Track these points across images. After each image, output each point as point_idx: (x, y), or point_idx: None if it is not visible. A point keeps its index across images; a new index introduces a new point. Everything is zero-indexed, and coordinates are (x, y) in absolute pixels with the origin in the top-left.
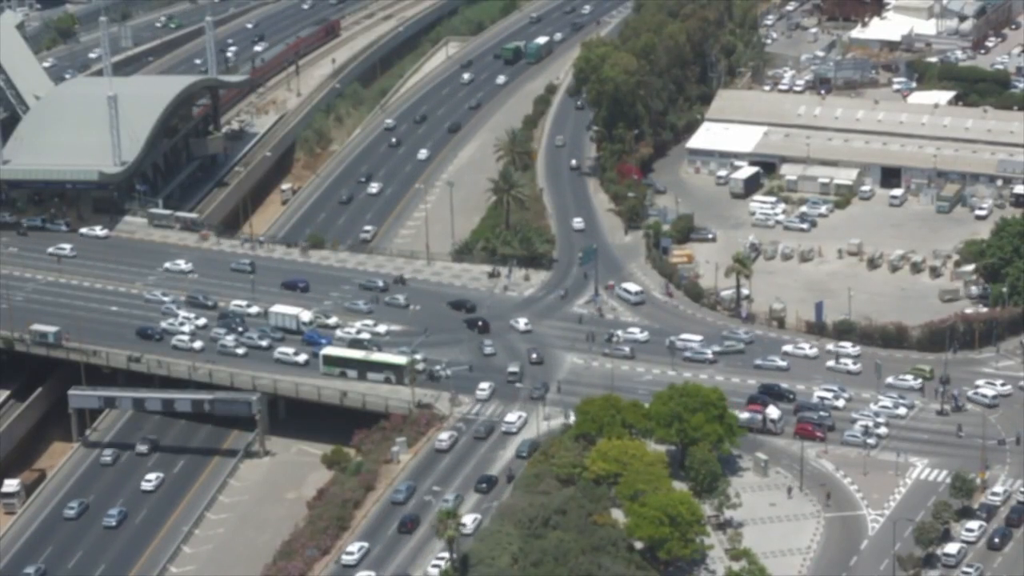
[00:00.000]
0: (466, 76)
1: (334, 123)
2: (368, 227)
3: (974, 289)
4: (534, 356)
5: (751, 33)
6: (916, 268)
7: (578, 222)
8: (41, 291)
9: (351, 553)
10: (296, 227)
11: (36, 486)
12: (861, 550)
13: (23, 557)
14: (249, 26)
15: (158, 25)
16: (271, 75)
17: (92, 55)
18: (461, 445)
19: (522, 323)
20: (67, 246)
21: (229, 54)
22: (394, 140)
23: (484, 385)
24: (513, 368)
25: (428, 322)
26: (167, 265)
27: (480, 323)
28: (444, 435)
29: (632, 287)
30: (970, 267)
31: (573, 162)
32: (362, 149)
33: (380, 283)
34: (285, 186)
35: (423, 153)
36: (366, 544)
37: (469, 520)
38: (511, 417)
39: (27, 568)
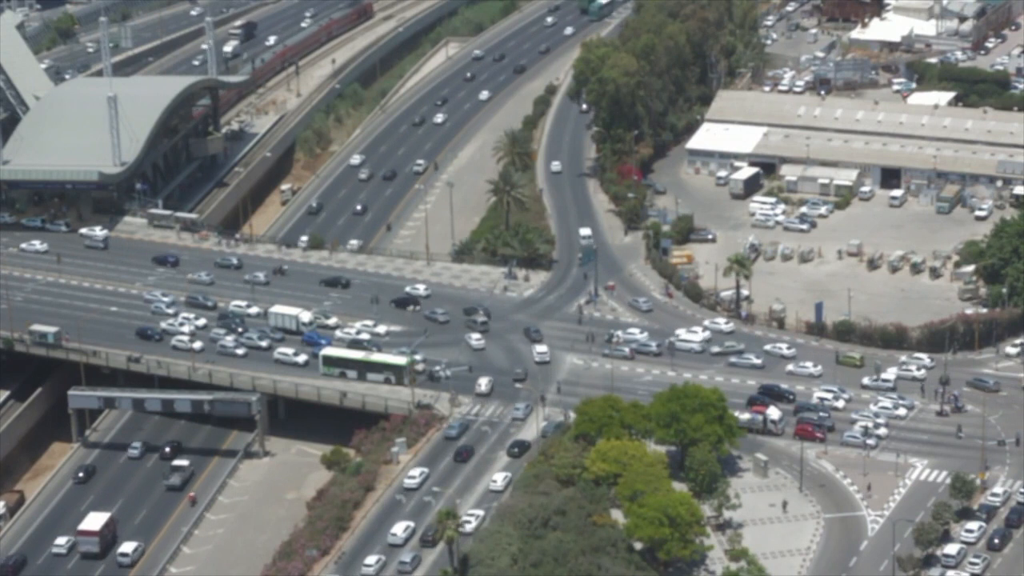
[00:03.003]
0: (550, 20)
1: (334, 124)
2: (420, 161)
3: (983, 290)
4: (481, 312)
5: (751, 34)
6: (916, 269)
7: (585, 232)
8: (41, 291)
9: (413, 477)
10: (296, 227)
11: (17, 508)
12: (861, 551)
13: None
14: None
15: (90, 50)
16: (302, 56)
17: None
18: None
19: (421, 288)
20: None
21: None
22: (469, 75)
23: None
24: (483, 319)
25: (309, 300)
26: (23, 246)
27: (412, 303)
28: (483, 380)
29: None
30: (970, 268)
31: (584, 106)
32: (441, 80)
33: (235, 261)
34: (285, 186)
35: (484, 94)
36: (426, 469)
37: (500, 478)
38: (541, 348)
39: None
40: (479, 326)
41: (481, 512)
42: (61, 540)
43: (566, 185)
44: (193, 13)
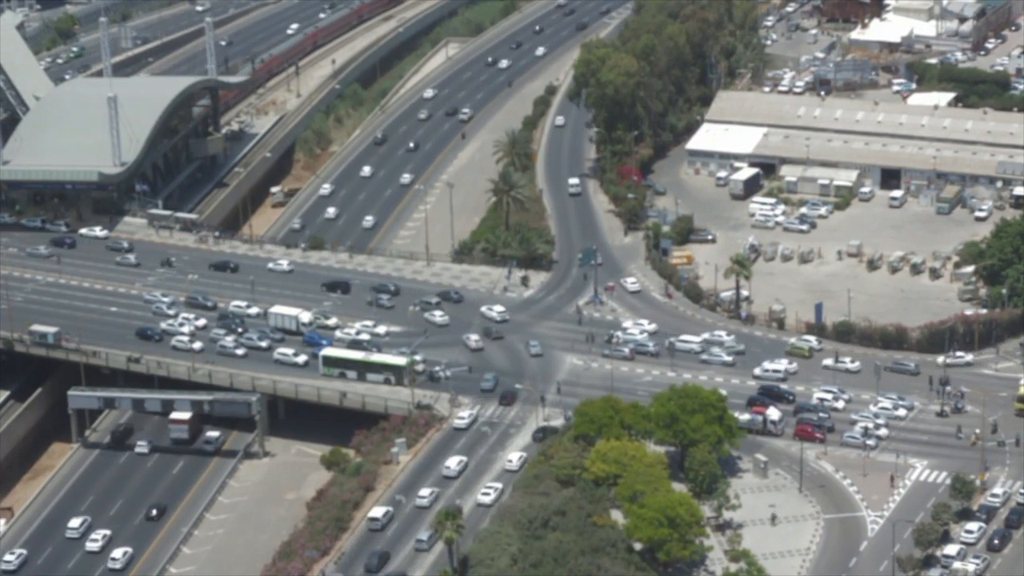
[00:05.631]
0: None
1: (334, 124)
2: (466, 110)
3: (983, 291)
4: (390, 287)
5: (751, 34)
6: (916, 269)
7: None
8: (40, 291)
9: (462, 417)
10: (294, 229)
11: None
12: (860, 551)
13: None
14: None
15: (60, 61)
16: (331, 39)
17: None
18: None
19: (284, 264)
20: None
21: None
22: (538, 28)
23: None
24: (433, 300)
25: (206, 287)
26: None
27: (341, 286)
28: (473, 336)
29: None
30: (970, 268)
31: (560, 121)
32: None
33: (125, 244)
34: (275, 189)
35: (540, 51)
36: (475, 411)
37: (515, 457)
38: (499, 308)
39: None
40: (426, 303)
41: (500, 485)
42: (143, 442)
43: (565, 186)
44: (127, 41)
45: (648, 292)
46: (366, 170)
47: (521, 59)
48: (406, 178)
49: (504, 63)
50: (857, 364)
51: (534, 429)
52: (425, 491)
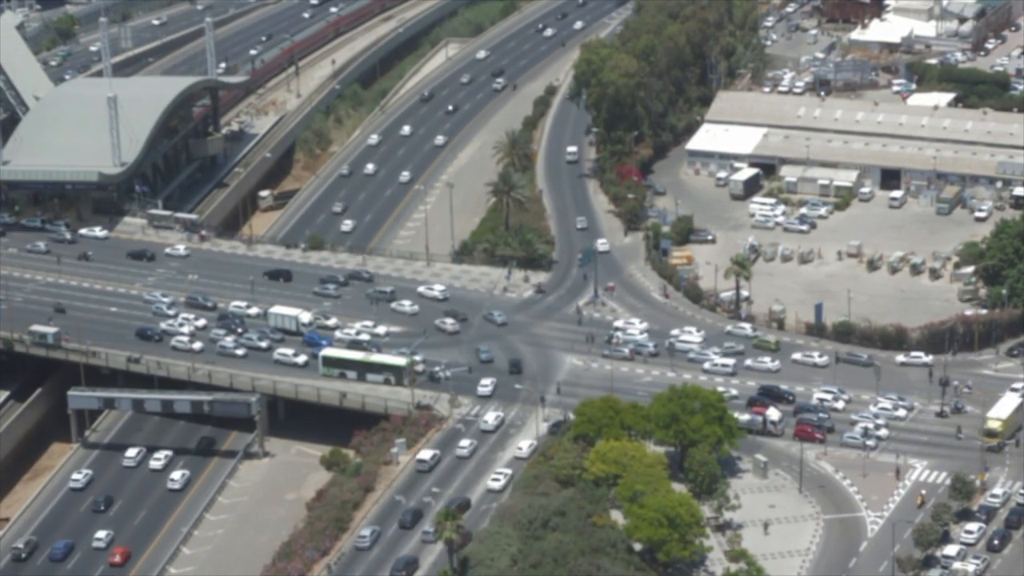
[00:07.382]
0: None
1: (334, 124)
2: (499, 79)
3: (983, 291)
4: (339, 277)
5: (751, 35)
6: (916, 270)
7: (581, 220)
8: (41, 291)
9: (485, 385)
10: (295, 228)
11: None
12: (860, 552)
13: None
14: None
15: (53, 64)
16: (350, 29)
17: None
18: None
19: (182, 248)
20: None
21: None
22: (581, 1)
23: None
24: (387, 288)
25: (118, 273)
26: None
27: (283, 275)
28: (449, 320)
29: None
30: (970, 269)
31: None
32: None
33: (68, 236)
34: (264, 193)
35: (578, 24)
36: (494, 379)
37: (525, 445)
38: (440, 286)
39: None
40: (384, 291)
41: (510, 471)
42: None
43: (566, 186)
44: (127, 41)
45: (616, 253)
46: (406, 129)
47: (562, 30)
48: (440, 140)
49: (549, 32)
50: (825, 359)
51: (549, 423)
52: (465, 442)
